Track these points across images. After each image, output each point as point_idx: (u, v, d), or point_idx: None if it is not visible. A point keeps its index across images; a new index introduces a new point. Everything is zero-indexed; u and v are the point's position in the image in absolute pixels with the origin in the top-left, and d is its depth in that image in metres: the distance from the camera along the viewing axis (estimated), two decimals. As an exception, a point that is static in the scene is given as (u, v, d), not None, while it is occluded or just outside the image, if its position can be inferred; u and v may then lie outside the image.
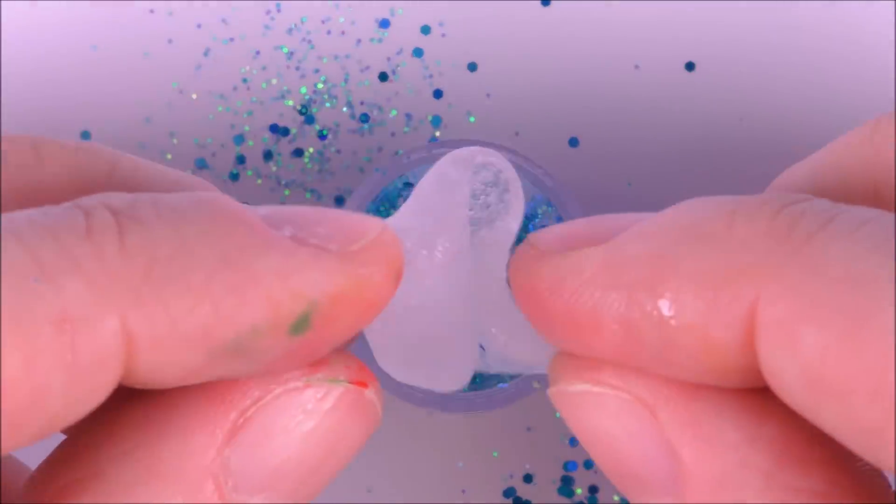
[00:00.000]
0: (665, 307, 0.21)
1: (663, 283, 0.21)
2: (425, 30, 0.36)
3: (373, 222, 0.22)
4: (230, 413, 0.22)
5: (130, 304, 0.19)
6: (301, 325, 0.21)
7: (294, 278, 0.21)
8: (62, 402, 0.19)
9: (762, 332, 0.20)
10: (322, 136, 0.36)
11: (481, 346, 0.26)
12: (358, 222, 0.22)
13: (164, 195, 0.21)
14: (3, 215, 0.19)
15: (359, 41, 0.36)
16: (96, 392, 0.20)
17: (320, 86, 0.36)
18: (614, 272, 0.22)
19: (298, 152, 0.36)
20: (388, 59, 0.36)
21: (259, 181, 0.36)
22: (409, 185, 0.31)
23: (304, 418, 0.22)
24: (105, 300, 0.19)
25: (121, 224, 0.20)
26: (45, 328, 0.19)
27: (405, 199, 0.28)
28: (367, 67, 0.36)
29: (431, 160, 0.29)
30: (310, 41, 0.36)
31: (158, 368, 0.20)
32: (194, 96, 0.36)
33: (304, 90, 0.35)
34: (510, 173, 0.26)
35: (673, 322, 0.21)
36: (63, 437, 0.22)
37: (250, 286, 0.20)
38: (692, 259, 0.21)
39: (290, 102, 0.36)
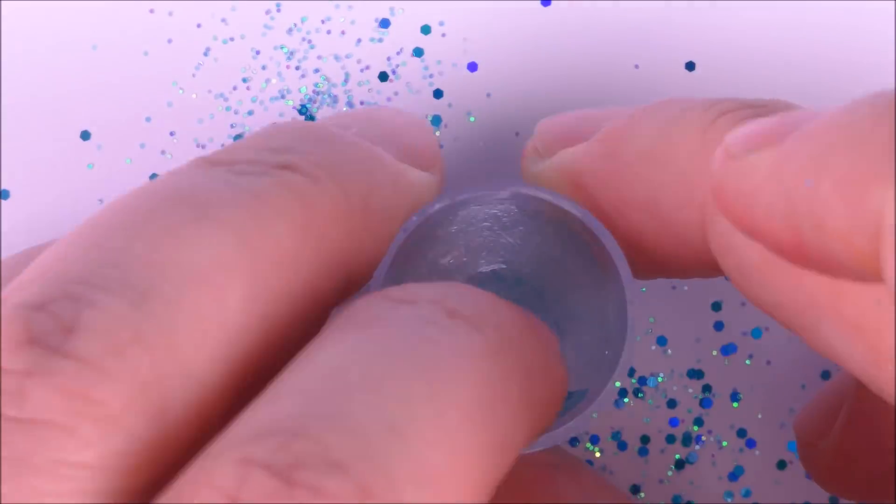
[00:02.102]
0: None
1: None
2: (425, 30, 0.36)
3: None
4: None
5: None
6: None
7: None
8: None
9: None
10: (322, 136, 0.36)
11: None
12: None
13: None
14: None
15: (359, 41, 0.36)
16: None
17: (320, 86, 0.36)
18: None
19: (298, 152, 0.36)
20: (389, 58, 0.36)
21: (259, 181, 0.36)
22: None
23: None
24: None
25: None
26: None
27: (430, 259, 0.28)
28: (367, 67, 0.36)
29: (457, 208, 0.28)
30: (310, 41, 0.36)
31: None
32: (194, 96, 0.36)
33: (304, 90, 0.36)
34: None
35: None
36: None
37: None
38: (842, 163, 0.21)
39: (290, 102, 0.36)
